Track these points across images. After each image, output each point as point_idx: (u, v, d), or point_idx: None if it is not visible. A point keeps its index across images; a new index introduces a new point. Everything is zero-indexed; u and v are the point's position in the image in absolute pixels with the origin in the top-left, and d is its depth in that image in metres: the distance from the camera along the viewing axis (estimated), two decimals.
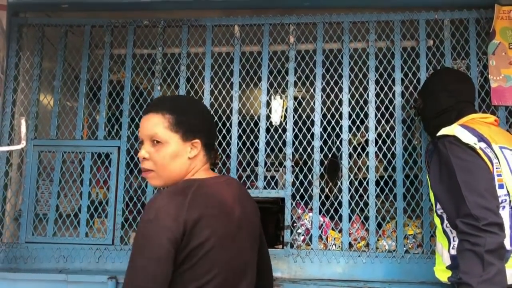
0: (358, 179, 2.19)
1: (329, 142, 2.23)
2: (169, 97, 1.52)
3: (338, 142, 2.17)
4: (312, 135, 2.18)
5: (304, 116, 2.28)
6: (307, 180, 2.16)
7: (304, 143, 2.20)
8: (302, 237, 2.14)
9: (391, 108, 2.17)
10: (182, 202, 1.15)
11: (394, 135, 2.14)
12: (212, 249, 1.16)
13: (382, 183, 2.12)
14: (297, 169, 2.21)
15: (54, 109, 2.28)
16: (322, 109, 2.20)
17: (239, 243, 1.25)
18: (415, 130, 2.21)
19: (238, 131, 2.21)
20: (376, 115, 2.16)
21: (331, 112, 2.23)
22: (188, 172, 1.29)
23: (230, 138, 2.20)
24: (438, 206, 1.60)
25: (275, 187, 2.22)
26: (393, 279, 2.01)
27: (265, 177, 2.18)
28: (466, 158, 1.49)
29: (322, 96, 2.21)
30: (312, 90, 2.22)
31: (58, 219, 2.20)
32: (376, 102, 2.17)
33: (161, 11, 2.32)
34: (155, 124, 1.25)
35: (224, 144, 2.20)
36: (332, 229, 2.14)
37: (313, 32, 2.25)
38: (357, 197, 2.11)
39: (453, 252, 1.52)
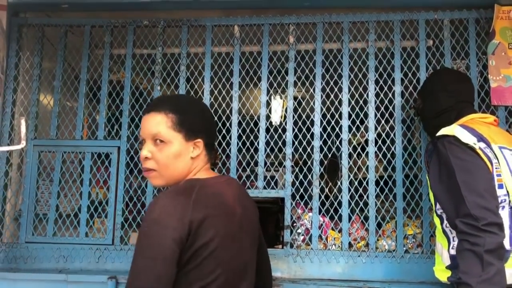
0: (358, 179, 2.19)
1: (329, 142, 2.23)
2: (171, 97, 1.52)
3: (338, 142, 2.17)
4: (312, 135, 2.18)
5: (304, 116, 2.28)
6: (307, 180, 2.16)
7: (304, 143, 2.20)
8: (302, 237, 2.14)
9: (390, 108, 2.17)
10: (187, 202, 1.15)
11: (394, 135, 2.14)
12: (216, 249, 1.16)
13: (382, 183, 2.12)
14: (297, 169, 2.21)
15: (54, 109, 2.28)
16: (322, 109, 2.20)
17: (240, 243, 1.26)
18: (415, 130, 2.21)
19: (238, 131, 2.21)
20: (375, 115, 2.16)
21: (330, 112, 2.23)
22: (189, 172, 1.28)
23: (230, 138, 2.20)
24: (438, 206, 1.60)
25: (275, 187, 2.22)
26: (393, 279, 2.01)
27: (265, 177, 2.18)
28: (466, 158, 1.50)
29: (322, 96, 2.21)
30: (312, 90, 2.22)
31: (58, 219, 2.20)
32: (375, 102, 2.17)
33: (161, 11, 2.33)
34: (158, 123, 1.25)
35: (224, 144, 2.20)
36: (332, 229, 2.14)
37: (312, 32, 2.25)
38: (357, 197, 2.11)
39: (453, 252, 1.52)
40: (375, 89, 2.18)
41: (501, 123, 2.04)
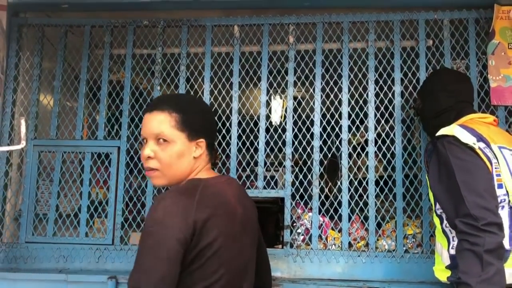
0: (358, 179, 2.19)
1: (329, 142, 2.23)
2: (173, 96, 1.51)
3: (337, 142, 2.17)
4: (312, 135, 2.18)
5: (303, 116, 2.28)
6: (307, 180, 2.16)
7: (304, 143, 2.20)
8: (301, 237, 2.15)
9: (390, 108, 2.17)
10: (190, 202, 1.14)
11: (394, 135, 2.14)
12: (220, 249, 1.16)
13: (381, 183, 2.12)
14: (296, 169, 2.21)
15: (54, 109, 2.29)
16: (321, 109, 2.20)
17: (241, 243, 1.26)
18: (415, 130, 2.21)
19: (238, 131, 2.21)
20: (375, 115, 2.16)
21: (330, 112, 2.23)
22: (191, 172, 1.28)
23: (230, 138, 2.21)
24: (438, 206, 1.60)
25: (274, 187, 2.22)
26: (393, 278, 2.01)
27: (265, 177, 2.18)
28: (465, 158, 1.50)
29: (321, 96, 2.21)
30: (311, 90, 2.22)
31: (58, 219, 2.20)
32: (375, 102, 2.17)
33: (161, 11, 2.33)
34: (161, 122, 1.24)
35: (224, 144, 2.20)
36: (332, 229, 2.14)
37: (312, 32, 2.26)
38: (356, 197, 2.11)
39: (453, 252, 1.52)
40: (375, 89, 2.18)
41: (501, 123, 2.04)
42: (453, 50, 2.17)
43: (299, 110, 2.28)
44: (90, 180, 2.22)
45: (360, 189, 2.12)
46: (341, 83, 2.20)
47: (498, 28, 2.12)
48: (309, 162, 2.17)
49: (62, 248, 2.15)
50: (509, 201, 1.50)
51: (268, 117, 2.29)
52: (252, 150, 2.23)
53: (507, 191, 1.50)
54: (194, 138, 1.27)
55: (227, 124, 2.22)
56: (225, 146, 2.19)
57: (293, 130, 2.19)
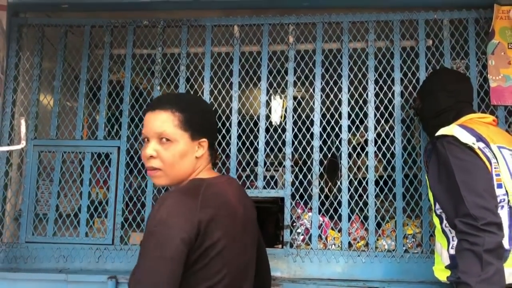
0: (358, 179, 2.19)
1: (329, 142, 2.23)
2: (176, 95, 1.51)
3: (337, 142, 2.18)
4: (312, 135, 2.18)
5: (303, 116, 2.28)
6: (307, 180, 2.16)
7: (304, 143, 2.20)
8: (301, 237, 2.15)
9: (390, 108, 2.17)
10: (194, 202, 1.14)
11: (394, 134, 2.14)
12: (223, 249, 1.16)
13: (381, 182, 2.12)
14: (296, 169, 2.21)
15: (54, 109, 2.29)
16: (321, 109, 2.21)
17: (242, 243, 1.26)
18: (415, 130, 2.21)
19: (237, 131, 2.21)
20: (375, 115, 2.16)
21: (330, 112, 2.23)
22: (193, 172, 1.28)
23: (230, 138, 2.21)
24: (437, 206, 1.60)
25: (274, 186, 2.22)
26: (392, 278, 2.01)
27: (265, 176, 2.19)
28: (465, 158, 1.50)
29: (321, 96, 2.21)
30: (311, 90, 2.22)
31: (58, 219, 2.20)
32: (375, 102, 2.17)
33: (161, 11, 2.33)
34: (164, 122, 1.23)
35: (223, 144, 2.20)
36: (332, 228, 2.15)
37: (312, 32, 2.26)
38: (356, 197, 2.11)
39: (452, 251, 1.52)
40: (375, 89, 2.18)
41: (501, 122, 2.04)
42: (453, 50, 2.17)
43: (299, 110, 2.29)
44: (90, 180, 2.22)
45: (360, 189, 2.13)
46: (341, 83, 2.20)
47: (498, 28, 2.12)
48: (309, 162, 2.17)
49: (62, 248, 2.15)
50: (508, 200, 1.50)
51: (268, 117, 2.29)
52: (252, 150, 2.23)
53: (506, 191, 1.50)
54: (197, 137, 1.26)
55: (227, 124, 2.22)
56: (225, 146, 2.20)
57: (293, 130, 2.19)
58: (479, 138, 1.55)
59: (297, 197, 2.17)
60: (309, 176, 2.16)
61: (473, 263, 1.36)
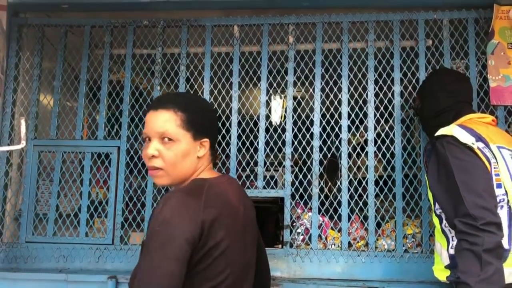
0: (358, 179, 2.19)
1: (328, 142, 2.23)
2: (178, 94, 1.50)
3: (337, 142, 2.18)
4: (312, 135, 2.19)
5: (303, 116, 2.28)
6: (307, 180, 2.16)
7: (304, 143, 2.20)
8: (301, 237, 2.15)
9: (390, 108, 2.17)
10: (198, 202, 1.14)
11: (393, 134, 2.14)
12: (227, 249, 1.16)
13: (381, 182, 2.12)
14: (296, 169, 2.22)
15: (54, 109, 2.29)
16: (321, 109, 2.21)
17: (243, 243, 1.26)
18: (414, 130, 2.21)
19: (237, 131, 2.21)
20: (375, 115, 2.16)
21: (330, 112, 2.23)
22: (194, 172, 1.27)
23: (230, 138, 2.21)
24: (437, 206, 1.60)
25: (274, 186, 2.22)
26: (392, 278, 2.01)
27: (265, 176, 2.19)
28: (464, 158, 1.50)
29: (321, 96, 2.21)
30: (311, 90, 2.22)
31: (58, 219, 2.20)
32: (375, 102, 2.18)
33: (161, 11, 2.33)
34: (166, 121, 1.22)
35: (223, 144, 2.20)
36: (332, 228, 2.15)
37: (312, 32, 2.26)
38: (356, 197, 2.11)
39: (452, 251, 1.52)
40: (375, 89, 2.18)
41: (500, 122, 2.04)
42: (453, 50, 2.17)
43: (299, 110, 2.29)
44: (90, 180, 2.22)
45: (360, 189, 2.13)
46: (341, 83, 2.20)
47: (498, 28, 2.12)
48: (308, 162, 2.17)
49: (62, 248, 2.15)
50: (508, 200, 1.50)
51: (268, 117, 2.29)
52: (252, 150, 2.23)
53: (506, 191, 1.50)
54: (199, 137, 1.26)
55: (227, 124, 2.22)
56: (225, 146, 2.20)
57: (293, 130, 2.19)
58: (479, 138, 1.55)
59: (297, 197, 2.17)
60: (309, 176, 2.16)
61: (472, 263, 1.36)
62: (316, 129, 2.18)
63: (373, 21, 2.22)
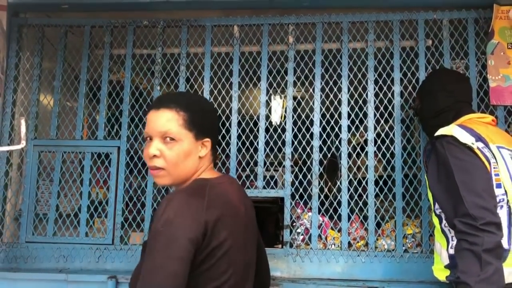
0: (357, 179, 2.19)
1: (328, 142, 2.23)
2: (179, 94, 1.49)
3: (337, 142, 2.18)
4: (312, 135, 2.19)
5: (303, 116, 2.28)
6: (307, 180, 2.17)
7: (304, 143, 2.21)
8: (301, 237, 2.15)
9: (390, 108, 2.17)
10: (200, 202, 1.14)
11: (393, 134, 2.14)
12: (229, 250, 1.16)
13: (381, 182, 2.12)
14: (296, 169, 2.22)
15: (54, 109, 2.29)
16: (321, 109, 2.21)
17: (244, 243, 1.26)
18: (414, 130, 2.21)
19: (237, 131, 2.22)
20: (375, 115, 2.16)
21: (330, 112, 2.23)
22: (196, 172, 1.27)
23: (230, 138, 2.21)
24: (437, 206, 1.61)
25: (274, 186, 2.22)
26: (392, 278, 2.01)
27: (265, 176, 2.19)
28: (464, 158, 1.50)
29: (321, 96, 2.21)
30: (311, 90, 2.22)
31: (58, 219, 2.21)
32: (375, 102, 2.18)
33: (161, 11, 2.33)
34: (168, 121, 1.22)
35: (223, 144, 2.20)
36: (332, 228, 2.15)
37: (312, 32, 2.26)
38: (356, 197, 2.11)
39: (452, 251, 1.52)
40: (375, 89, 2.18)
41: (500, 122, 2.04)
42: (453, 50, 2.17)
43: (299, 110, 2.29)
44: (90, 180, 2.22)
45: (360, 189, 2.13)
46: (341, 83, 2.20)
47: (497, 28, 2.12)
48: (308, 162, 2.17)
49: (62, 248, 2.15)
50: (507, 200, 1.50)
51: (268, 117, 2.29)
52: (252, 150, 2.23)
53: (505, 191, 1.50)
54: (201, 137, 1.25)
55: (227, 124, 2.23)
56: (225, 146, 2.20)
57: (293, 130, 2.19)
58: (478, 138, 1.55)
59: (297, 197, 2.17)
60: (309, 176, 2.16)
61: (472, 262, 1.36)
62: (316, 129, 2.18)
63: (373, 21, 2.22)
